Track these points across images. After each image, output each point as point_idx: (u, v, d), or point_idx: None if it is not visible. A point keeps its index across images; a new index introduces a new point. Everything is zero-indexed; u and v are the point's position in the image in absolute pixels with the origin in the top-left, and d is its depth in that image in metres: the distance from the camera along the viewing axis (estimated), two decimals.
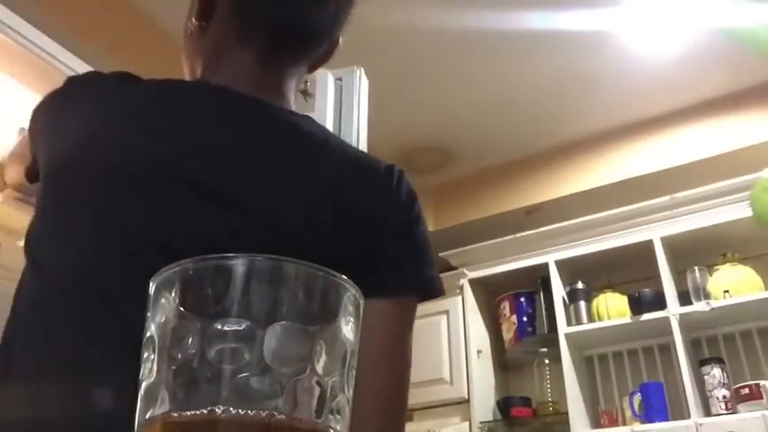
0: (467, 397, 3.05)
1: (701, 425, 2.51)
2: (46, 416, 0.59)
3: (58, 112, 0.77)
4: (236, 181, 0.69)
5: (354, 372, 0.32)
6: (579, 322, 2.96)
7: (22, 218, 2.00)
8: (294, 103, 0.82)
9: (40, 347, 0.64)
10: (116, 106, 0.74)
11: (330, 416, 0.29)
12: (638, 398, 2.76)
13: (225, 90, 0.75)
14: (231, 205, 0.67)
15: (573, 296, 3.03)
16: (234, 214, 0.67)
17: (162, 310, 0.30)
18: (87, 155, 0.69)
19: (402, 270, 0.71)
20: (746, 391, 2.53)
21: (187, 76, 0.86)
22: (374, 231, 0.71)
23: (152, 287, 0.31)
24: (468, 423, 3.02)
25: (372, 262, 0.68)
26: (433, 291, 0.74)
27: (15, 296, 0.69)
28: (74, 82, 0.82)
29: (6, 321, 0.68)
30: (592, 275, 3.07)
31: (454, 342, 3.18)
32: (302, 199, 0.70)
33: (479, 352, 3.18)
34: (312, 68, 0.85)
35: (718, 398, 2.58)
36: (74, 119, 0.74)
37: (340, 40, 0.84)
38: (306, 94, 0.84)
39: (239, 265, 0.29)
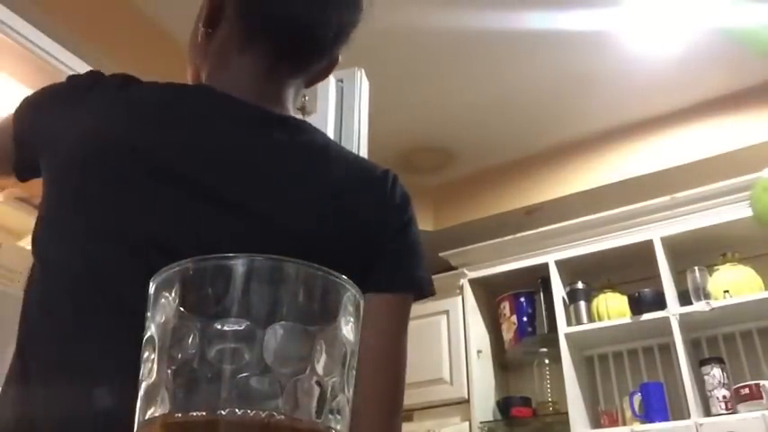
0: (467, 397, 3.05)
1: (701, 425, 2.51)
2: (54, 416, 0.60)
3: (59, 112, 0.77)
4: (237, 184, 0.70)
5: (354, 372, 0.32)
6: (579, 322, 2.96)
7: (22, 218, 2.00)
8: (293, 113, 0.83)
9: (47, 348, 0.65)
10: (120, 108, 0.75)
11: (330, 416, 0.29)
12: (638, 398, 2.76)
13: (227, 96, 0.76)
14: (232, 208, 0.68)
15: (573, 296, 3.03)
16: (234, 217, 0.68)
17: (162, 310, 0.30)
18: (90, 155, 0.70)
19: (397, 271, 0.74)
20: (746, 391, 2.53)
21: (190, 82, 0.87)
22: (372, 235, 0.73)
23: (152, 287, 0.31)
24: (468, 423, 3.02)
25: (369, 264, 0.70)
26: (425, 290, 0.76)
27: (25, 297, 0.70)
28: (74, 81, 0.81)
29: (19, 323, 0.68)
30: (592, 275, 3.07)
31: (454, 342, 3.18)
32: (303, 204, 0.72)
33: (479, 352, 3.18)
34: (309, 84, 0.87)
35: (718, 398, 2.58)
36: (76, 120, 0.74)
37: (339, 58, 0.86)
38: (304, 111, 0.87)
39: (239, 265, 0.29)
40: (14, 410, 0.64)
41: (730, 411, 2.54)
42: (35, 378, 0.64)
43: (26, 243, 2.06)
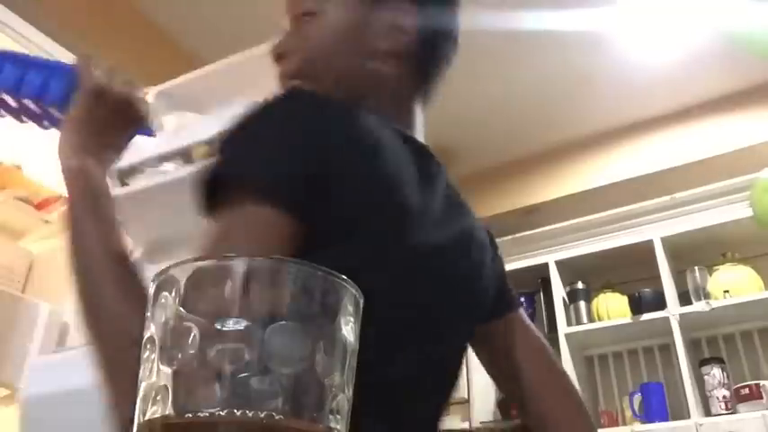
0: (467, 397, 3.05)
1: (701, 425, 2.51)
2: None
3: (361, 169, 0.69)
4: (466, 257, 0.82)
5: (354, 372, 0.32)
6: (579, 322, 2.96)
7: (22, 218, 2.00)
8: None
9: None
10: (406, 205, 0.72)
11: (330, 416, 0.29)
12: (638, 398, 2.76)
13: (437, 162, 0.85)
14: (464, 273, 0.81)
15: (573, 296, 3.03)
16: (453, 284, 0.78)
17: (162, 310, 0.30)
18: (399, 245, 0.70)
19: (513, 293, 0.96)
20: (746, 391, 2.53)
21: (307, 82, 0.79)
22: (498, 274, 0.92)
23: (152, 287, 0.31)
24: (468, 423, 3.02)
25: (502, 293, 0.92)
26: None
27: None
28: (342, 129, 0.69)
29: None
30: (592, 275, 3.07)
31: None
32: (482, 261, 0.86)
33: None
34: None
35: (718, 398, 2.58)
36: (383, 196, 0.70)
37: None
38: None
39: (239, 265, 0.29)
40: None
41: (730, 411, 2.54)
42: None
43: (26, 243, 2.06)
